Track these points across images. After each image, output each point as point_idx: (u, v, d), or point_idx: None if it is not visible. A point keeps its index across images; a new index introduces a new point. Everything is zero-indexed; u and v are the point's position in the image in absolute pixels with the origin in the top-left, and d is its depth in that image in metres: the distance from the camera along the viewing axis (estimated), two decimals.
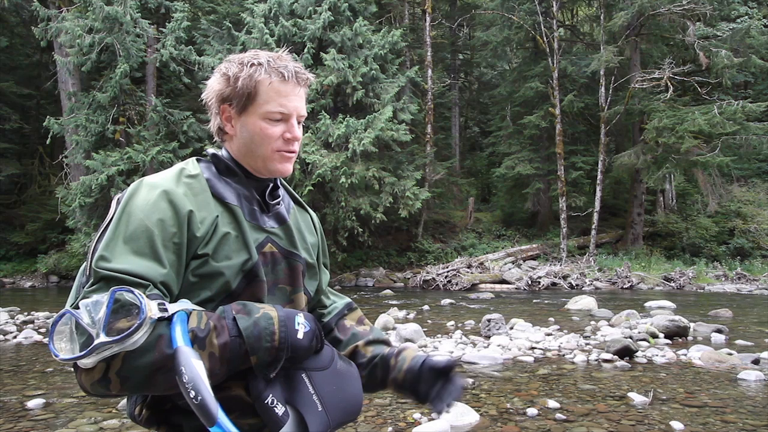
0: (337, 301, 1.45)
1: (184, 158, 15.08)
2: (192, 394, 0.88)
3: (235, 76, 1.16)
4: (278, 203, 1.25)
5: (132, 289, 0.93)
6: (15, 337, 7.38)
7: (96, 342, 0.89)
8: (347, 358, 1.23)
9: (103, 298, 0.92)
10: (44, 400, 4.33)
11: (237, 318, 1.01)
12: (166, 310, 0.96)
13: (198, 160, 1.22)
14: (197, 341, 0.96)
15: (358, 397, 1.17)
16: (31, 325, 8.27)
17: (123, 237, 1.03)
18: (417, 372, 1.27)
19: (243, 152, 1.20)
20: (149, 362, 0.93)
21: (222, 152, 1.22)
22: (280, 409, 1.04)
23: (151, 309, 0.93)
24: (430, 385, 1.26)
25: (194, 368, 0.89)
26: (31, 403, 4.25)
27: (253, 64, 1.16)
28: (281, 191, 1.29)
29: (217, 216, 1.13)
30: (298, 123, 1.21)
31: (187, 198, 1.11)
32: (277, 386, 1.06)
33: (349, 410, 1.14)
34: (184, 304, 1.01)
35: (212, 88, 1.20)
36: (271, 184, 1.25)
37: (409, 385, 1.27)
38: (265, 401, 1.03)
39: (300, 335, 1.04)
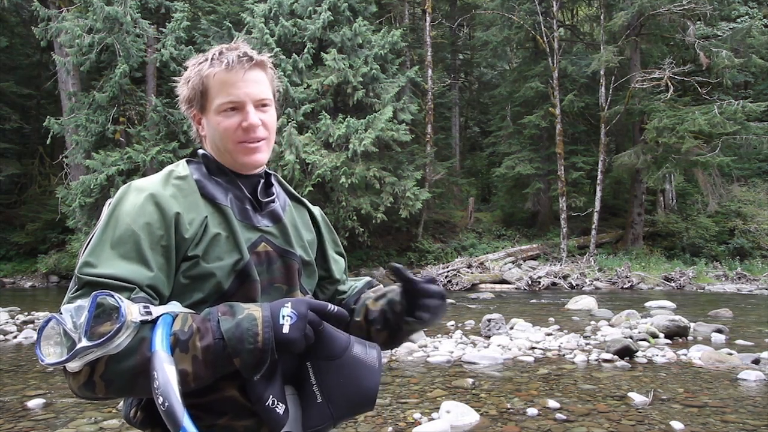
0: (357, 283, 1.41)
1: (183, 158, 14.93)
2: (160, 400, 0.88)
3: (188, 78, 1.18)
4: (272, 201, 1.24)
5: (113, 293, 0.93)
6: (15, 337, 7.39)
7: (78, 346, 0.89)
8: (372, 343, 1.13)
9: (85, 302, 0.92)
10: (44, 400, 4.34)
11: (220, 320, 0.98)
12: (150, 313, 0.95)
13: (188, 162, 1.21)
14: (179, 344, 0.94)
15: (369, 390, 1.08)
16: (31, 325, 8.27)
17: (110, 242, 1.03)
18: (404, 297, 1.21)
19: (215, 151, 1.20)
20: (131, 366, 0.93)
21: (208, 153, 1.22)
22: (281, 408, 1.02)
23: (132, 312, 0.92)
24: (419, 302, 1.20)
25: (165, 374, 0.89)
26: (32, 403, 4.25)
27: (201, 62, 1.17)
28: (275, 188, 1.27)
29: (206, 217, 1.12)
30: (261, 107, 1.17)
31: (175, 200, 1.10)
32: (278, 382, 1.04)
33: (358, 402, 1.07)
34: (173, 306, 1.00)
35: (179, 96, 1.21)
36: (263, 181, 1.24)
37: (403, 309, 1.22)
38: (266, 403, 1.02)
39: (285, 329, 0.98)
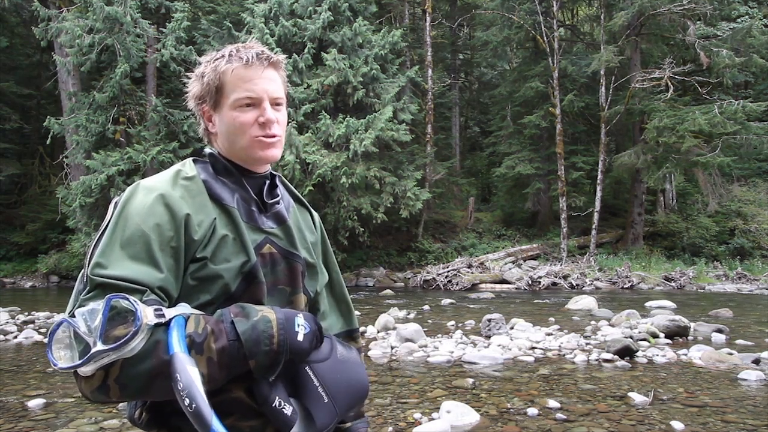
0: (333, 325, 1.37)
1: (184, 158, 14.80)
2: (187, 401, 0.87)
3: (202, 74, 1.18)
4: (277, 202, 1.24)
5: (127, 296, 0.92)
6: (15, 337, 7.39)
7: (93, 350, 0.88)
8: (346, 343, 1.22)
9: (99, 305, 0.91)
10: (45, 400, 4.34)
11: (235, 321, 0.99)
12: (163, 315, 0.95)
13: (195, 161, 1.21)
14: (194, 346, 0.94)
15: (363, 382, 1.16)
16: (31, 325, 8.28)
17: (119, 242, 1.03)
18: None
19: (227, 147, 1.19)
20: (147, 369, 0.92)
21: (216, 152, 1.22)
22: (288, 410, 1.04)
23: (147, 315, 0.92)
24: None
25: (189, 375, 0.89)
26: (32, 403, 4.26)
27: (216, 58, 1.17)
28: (280, 189, 1.28)
29: (215, 218, 1.12)
30: (275, 106, 1.18)
31: (184, 201, 1.10)
32: (281, 385, 1.05)
33: (355, 396, 1.14)
34: (183, 308, 1.00)
35: (190, 92, 1.21)
36: (268, 182, 1.24)
37: None
38: (273, 404, 1.02)
39: (300, 337, 1.02)
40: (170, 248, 1.05)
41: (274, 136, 1.18)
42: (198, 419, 0.87)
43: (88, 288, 0.99)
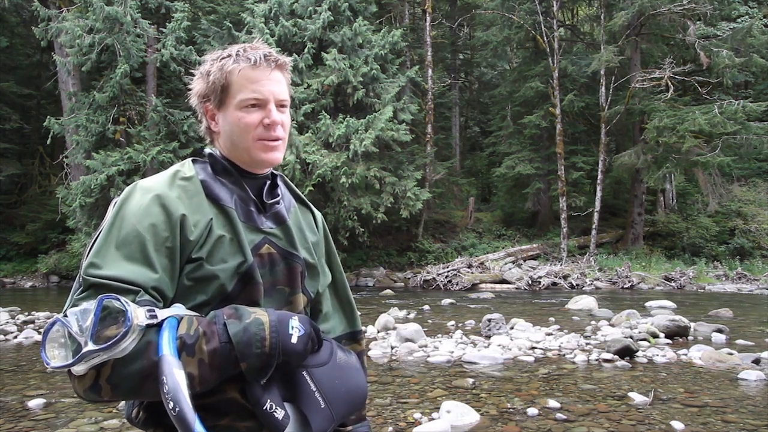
0: (336, 326, 1.37)
1: (184, 158, 14.76)
2: (171, 404, 0.88)
3: (208, 72, 1.17)
4: (277, 202, 1.23)
5: (119, 296, 0.92)
6: (16, 337, 7.39)
7: (84, 350, 0.88)
8: (346, 348, 1.21)
9: (91, 305, 0.91)
10: (45, 400, 4.34)
11: (227, 323, 0.99)
12: (155, 316, 0.95)
13: (194, 161, 1.21)
14: (186, 348, 0.94)
15: (361, 388, 1.16)
16: (31, 325, 8.28)
17: (115, 242, 1.03)
18: None
19: (229, 147, 1.19)
20: (138, 370, 0.92)
21: (215, 152, 1.21)
22: (279, 413, 1.03)
23: (138, 316, 0.92)
24: None
25: (175, 378, 0.89)
26: (32, 403, 4.26)
27: (223, 57, 1.17)
28: (281, 189, 1.27)
29: (211, 219, 1.12)
30: (280, 108, 1.18)
31: (181, 201, 1.10)
32: (275, 389, 1.05)
33: (353, 402, 1.13)
34: (177, 309, 1.00)
35: (193, 90, 1.21)
36: (269, 182, 1.23)
37: None
38: (264, 407, 1.02)
39: (294, 340, 1.02)
40: (165, 249, 1.05)
41: (277, 139, 1.17)
42: (181, 423, 0.88)
43: (82, 288, 0.99)
